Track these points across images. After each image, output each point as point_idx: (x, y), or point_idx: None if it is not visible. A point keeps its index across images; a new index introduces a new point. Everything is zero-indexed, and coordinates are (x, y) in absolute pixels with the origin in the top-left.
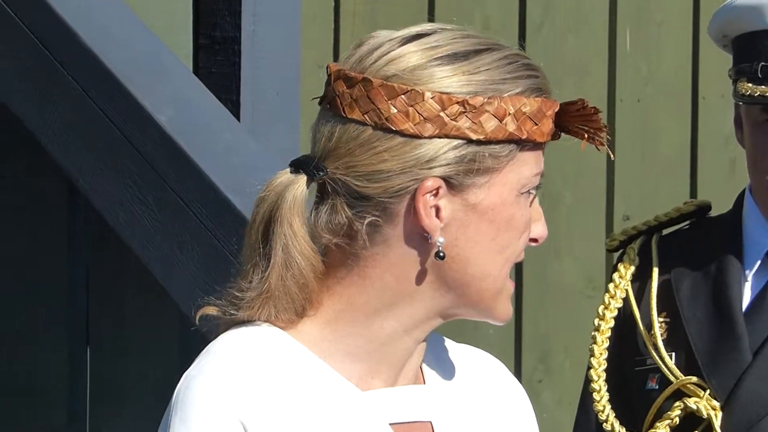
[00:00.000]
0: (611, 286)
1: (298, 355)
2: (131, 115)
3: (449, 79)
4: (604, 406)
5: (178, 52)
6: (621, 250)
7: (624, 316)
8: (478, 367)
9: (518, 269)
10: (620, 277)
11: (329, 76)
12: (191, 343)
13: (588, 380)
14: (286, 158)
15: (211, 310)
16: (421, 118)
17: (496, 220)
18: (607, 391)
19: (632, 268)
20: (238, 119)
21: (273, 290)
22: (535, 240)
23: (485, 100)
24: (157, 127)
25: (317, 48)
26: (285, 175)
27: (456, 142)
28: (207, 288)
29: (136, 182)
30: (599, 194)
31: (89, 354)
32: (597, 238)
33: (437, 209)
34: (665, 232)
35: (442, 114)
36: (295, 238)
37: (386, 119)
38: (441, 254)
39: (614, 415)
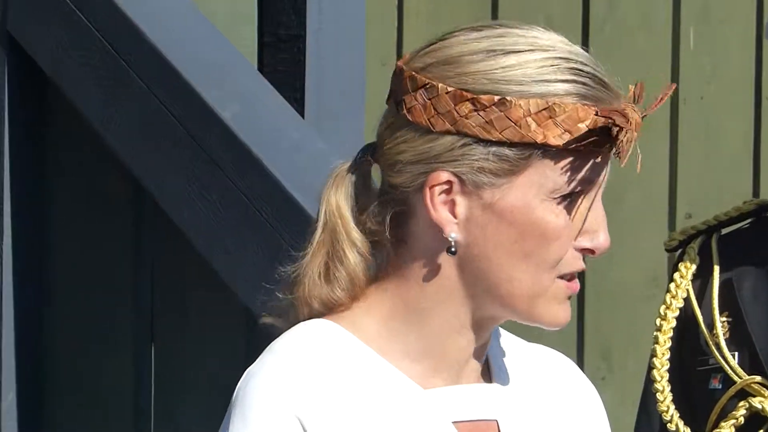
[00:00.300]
0: (672, 285)
1: (358, 352)
2: (196, 112)
3: (471, 76)
4: (668, 407)
5: (243, 50)
6: (681, 250)
7: (686, 316)
8: (549, 367)
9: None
10: (681, 276)
11: (396, 68)
12: (256, 340)
13: (650, 380)
14: (351, 156)
15: (269, 320)
16: (435, 112)
17: (516, 223)
18: (670, 391)
19: (693, 268)
20: (302, 117)
21: (315, 273)
22: (590, 251)
23: (498, 99)
24: (221, 125)
25: (381, 46)
26: (345, 163)
27: (465, 139)
28: (271, 286)
29: (201, 180)
30: (661, 193)
31: (154, 351)
32: (659, 237)
33: (453, 204)
34: (725, 231)
35: (453, 110)
36: (334, 212)
37: (407, 110)
38: (452, 250)
39: (678, 415)
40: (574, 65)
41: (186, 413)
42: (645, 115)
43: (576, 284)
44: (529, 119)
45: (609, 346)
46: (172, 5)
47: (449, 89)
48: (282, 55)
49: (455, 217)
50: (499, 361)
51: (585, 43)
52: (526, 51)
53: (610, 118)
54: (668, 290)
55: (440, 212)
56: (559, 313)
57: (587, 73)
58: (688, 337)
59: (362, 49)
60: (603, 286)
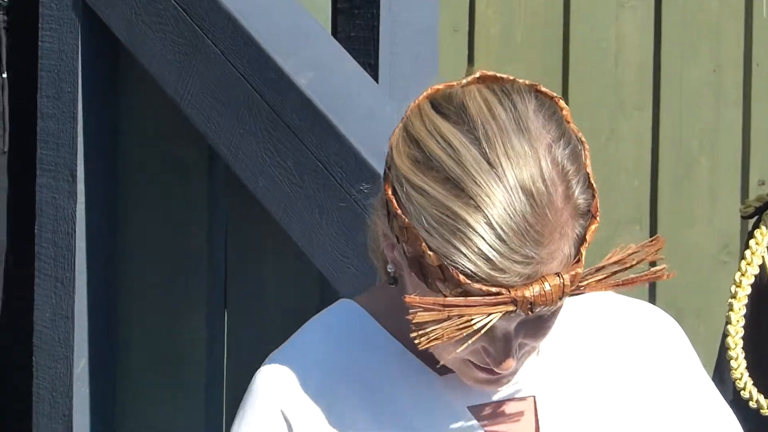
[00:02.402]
0: (747, 253)
1: (375, 339)
2: (271, 79)
3: (405, 189)
4: (742, 374)
5: (317, 16)
6: (756, 217)
7: (761, 284)
8: (629, 327)
9: (652, 232)
10: (757, 243)
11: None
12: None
13: (725, 348)
14: None
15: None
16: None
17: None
18: (745, 358)
19: None
20: (377, 82)
21: (371, 249)
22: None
23: (407, 223)
24: (297, 91)
25: (454, 12)
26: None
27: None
28: (347, 252)
29: (276, 146)
30: (734, 159)
31: (227, 317)
32: (731, 203)
33: (391, 245)
34: None
35: (385, 196)
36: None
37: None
38: (392, 279)
39: (752, 382)
40: (492, 247)
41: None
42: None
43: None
44: (423, 258)
45: (680, 314)
46: None
47: (390, 173)
48: (356, 21)
49: (392, 252)
50: (561, 329)
51: (658, 11)
52: (464, 188)
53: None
54: (743, 257)
55: (384, 241)
56: (486, 384)
57: (478, 249)
58: (763, 304)
59: (436, 15)
60: (675, 253)
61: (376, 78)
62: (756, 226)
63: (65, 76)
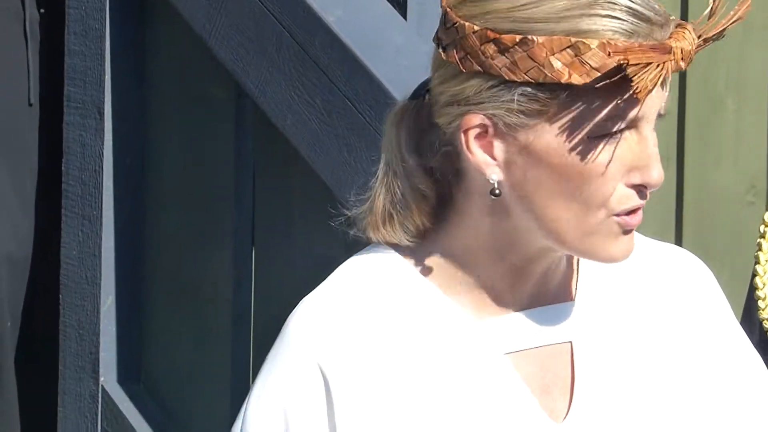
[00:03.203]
0: None
1: (412, 285)
2: (300, 16)
3: (494, 15)
4: None
5: None
6: None
7: None
8: (664, 270)
9: (679, 174)
10: None
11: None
12: (357, 246)
13: (752, 288)
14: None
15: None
16: (464, 53)
17: (554, 165)
18: None
19: None
20: (405, 19)
21: (378, 209)
22: (641, 186)
23: (520, 38)
24: (326, 28)
25: None
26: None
27: (492, 81)
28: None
29: (305, 84)
30: (762, 99)
31: (254, 256)
32: (760, 144)
33: (490, 147)
34: None
35: (479, 51)
36: (393, 152)
37: (443, 49)
38: (496, 192)
39: None
40: (609, 2)
41: (284, 316)
42: (709, 37)
43: (635, 218)
44: (553, 58)
45: (706, 256)
46: None
47: (476, 29)
48: None
49: (494, 159)
50: (594, 273)
51: None
52: None
53: (625, 59)
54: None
55: (477, 155)
56: (614, 249)
57: (620, 5)
58: None
59: None
60: (702, 193)
61: (405, 15)
62: None
63: (92, 13)
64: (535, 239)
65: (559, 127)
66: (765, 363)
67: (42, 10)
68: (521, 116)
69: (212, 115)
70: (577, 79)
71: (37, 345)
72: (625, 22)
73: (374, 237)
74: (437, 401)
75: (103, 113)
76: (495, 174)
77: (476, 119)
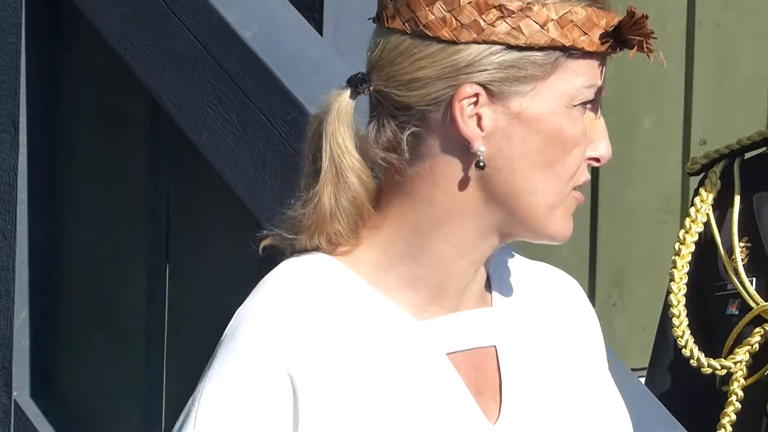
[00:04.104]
0: (692, 210)
1: (352, 286)
2: (215, 31)
3: None
4: (684, 332)
5: None
6: (702, 174)
7: (705, 241)
8: (551, 285)
9: (594, 192)
10: (701, 201)
11: None
12: (273, 259)
13: (667, 305)
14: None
15: (266, 241)
16: (459, 24)
17: (542, 131)
18: (686, 316)
19: (714, 193)
20: (321, 35)
21: (326, 209)
22: (596, 159)
23: (524, 4)
24: (241, 43)
25: None
26: (335, 91)
27: (494, 47)
28: (289, 206)
29: (220, 99)
30: (676, 118)
31: (168, 271)
32: (673, 162)
33: (478, 118)
34: (748, 156)
35: (479, 19)
36: (340, 148)
37: (424, 26)
38: (481, 164)
39: (693, 340)
40: None
41: (198, 330)
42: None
43: (581, 195)
44: (551, 24)
45: (621, 272)
46: None
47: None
48: None
49: (482, 130)
50: (502, 282)
51: None
52: None
53: (634, 17)
54: (688, 214)
55: (469, 126)
56: (567, 226)
57: None
58: (707, 262)
59: None
60: (617, 211)
61: (321, 31)
62: (701, 183)
63: (8, 27)
64: (490, 224)
65: (549, 94)
66: (683, 380)
67: None
68: (517, 83)
69: (128, 129)
70: (579, 43)
71: None
72: None
73: (309, 242)
74: (389, 399)
75: (18, 127)
76: (483, 145)
77: (471, 88)
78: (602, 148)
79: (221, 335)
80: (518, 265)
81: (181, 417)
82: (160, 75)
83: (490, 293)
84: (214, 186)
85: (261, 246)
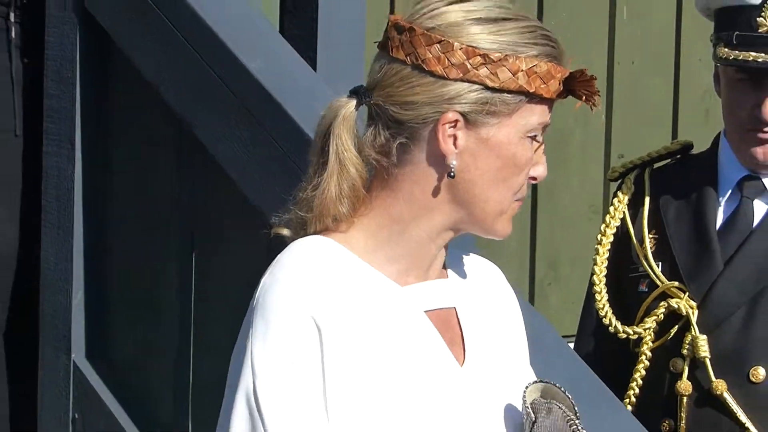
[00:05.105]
0: (611, 209)
1: (350, 261)
2: (230, 66)
3: (477, 36)
4: (604, 305)
5: (269, 17)
6: (620, 180)
7: (621, 234)
8: (483, 271)
9: (534, 195)
10: (619, 201)
11: (388, 23)
12: (275, 252)
13: (591, 284)
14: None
15: (282, 231)
16: (450, 64)
17: (501, 155)
18: (606, 293)
19: (629, 195)
20: (315, 70)
21: (333, 193)
22: (534, 178)
23: (502, 55)
24: (250, 77)
25: (376, 14)
26: (341, 99)
27: (475, 86)
28: (290, 206)
29: (235, 121)
30: (599, 137)
31: (194, 259)
32: (597, 172)
33: (455, 138)
34: (656, 166)
35: (466, 62)
36: (344, 146)
37: (422, 61)
38: (452, 174)
39: (612, 312)
40: (543, 32)
41: (218, 307)
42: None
43: (520, 204)
44: (521, 74)
45: (555, 259)
46: None
47: (462, 46)
48: (298, 21)
49: (456, 148)
50: (454, 263)
51: (541, 16)
52: (507, 19)
53: (582, 76)
54: (608, 212)
55: (447, 144)
56: (508, 227)
57: (550, 38)
58: (622, 250)
59: (363, 20)
60: (552, 211)
61: (314, 66)
62: (619, 188)
63: (66, 63)
64: (451, 220)
65: (511, 127)
66: (603, 344)
67: (25, 60)
68: (488, 116)
69: (159, 145)
70: (540, 90)
71: (20, 332)
72: (555, 50)
73: (318, 222)
74: (383, 342)
75: (74, 144)
76: (455, 160)
77: (452, 115)
78: (540, 170)
79: (237, 311)
80: (462, 254)
81: (236, 370)
82: (184, 101)
83: (446, 270)
84: (229, 190)
85: (274, 231)
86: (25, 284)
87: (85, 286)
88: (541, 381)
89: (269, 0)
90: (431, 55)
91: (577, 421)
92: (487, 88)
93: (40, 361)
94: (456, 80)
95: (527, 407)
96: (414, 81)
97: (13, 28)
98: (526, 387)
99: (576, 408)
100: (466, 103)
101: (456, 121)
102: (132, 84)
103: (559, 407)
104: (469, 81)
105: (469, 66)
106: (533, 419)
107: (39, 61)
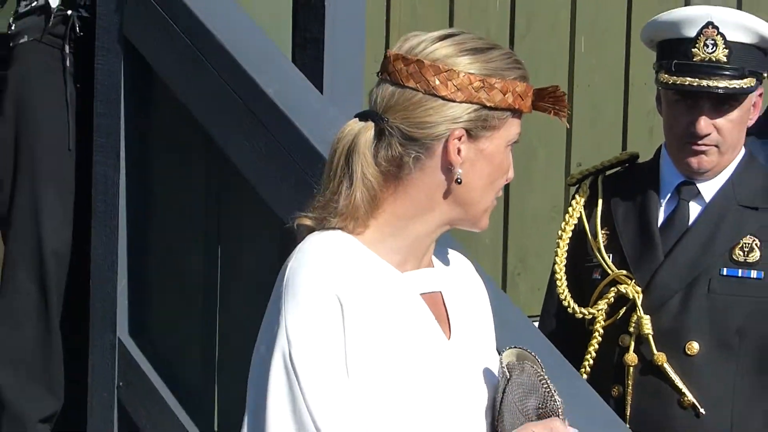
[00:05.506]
0: (570, 209)
1: (361, 250)
2: (250, 90)
3: (472, 65)
4: (564, 290)
5: (282, 48)
6: (577, 185)
7: (578, 230)
8: (459, 262)
9: (506, 198)
10: (576, 203)
11: (388, 58)
12: (285, 244)
13: (553, 273)
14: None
15: (305, 221)
16: (456, 89)
17: (492, 163)
18: (566, 280)
19: (585, 198)
20: (321, 93)
21: (357, 202)
22: (506, 180)
23: (496, 80)
24: (267, 98)
25: (374, 48)
26: (355, 123)
27: (476, 106)
28: (300, 207)
29: (253, 135)
30: (561, 149)
31: (220, 251)
32: (559, 179)
33: (459, 150)
34: (608, 173)
35: (469, 87)
36: (368, 163)
37: (432, 87)
38: (459, 180)
39: (570, 296)
40: (516, 58)
41: (240, 292)
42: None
43: (496, 201)
44: (509, 94)
45: (524, 253)
46: (237, 21)
47: (463, 74)
48: (308, 53)
49: (461, 158)
50: (437, 255)
51: (512, 46)
52: (491, 49)
53: (555, 92)
54: (567, 212)
55: (455, 155)
56: (488, 221)
57: (520, 63)
58: (579, 244)
59: (362, 50)
60: (520, 212)
61: (321, 91)
62: (576, 192)
63: (112, 87)
64: (447, 217)
65: (500, 138)
66: (563, 323)
67: (78, 85)
68: (484, 130)
69: (191, 153)
70: (523, 106)
71: (75, 315)
72: (525, 73)
73: (341, 222)
74: (388, 317)
75: (120, 156)
76: (461, 168)
77: (459, 131)
78: (511, 173)
79: (254, 293)
80: (443, 248)
81: (267, 341)
82: (212, 119)
83: (432, 261)
84: (248, 192)
85: (297, 222)
86: (78, 276)
87: (128, 276)
88: (515, 347)
89: (284, 35)
90: (439, 82)
91: (546, 377)
92: (485, 107)
93: (91, 339)
94: (461, 102)
95: (503, 368)
96: (426, 105)
97: (68, 58)
98: (503, 351)
99: (544, 369)
100: (469, 120)
101: (461, 135)
102: (167, 104)
103: (531, 366)
104: (471, 102)
105: (471, 89)
106: (508, 377)
107: (89, 86)
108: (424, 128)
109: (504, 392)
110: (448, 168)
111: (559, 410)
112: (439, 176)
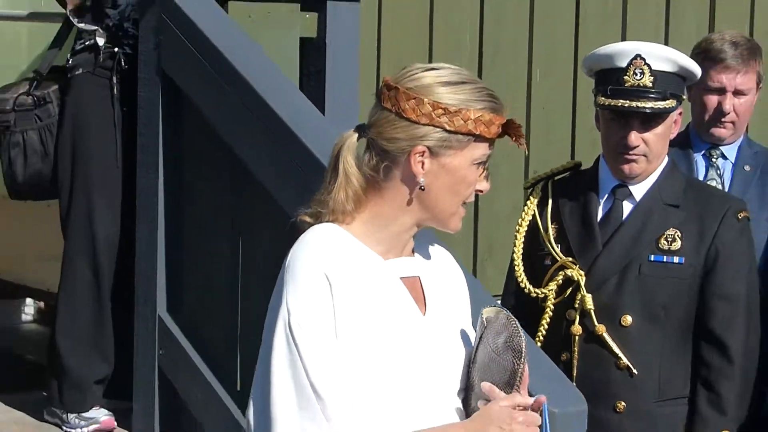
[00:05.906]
0: (526, 208)
1: (351, 241)
2: (265, 112)
3: (441, 95)
4: (521, 274)
5: (291, 78)
6: (532, 188)
7: (533, 225)
8: (439, 253)
9: (477, 202)
10: (531, 203)
11: (382, 83)
12: (293, 237)
13: (512, 260)
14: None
15: (305, 217)
16: (421, 113)
17: (455, 176)
18: (523, 266)
19: (538, 198)
20: (324, 115)
21: (342, 197)
22: (480, 191)
23: (458, 108)
24: (278, 118)
25: (367, 77)
26: (348, 132)
27: (438, 129)
28: (303, 204)
29: (269, 149)
30: (521, 161)
31: (241, 242)
32: (519, 184)
33: (422, 163)
34: (557, 178)
35: (432, 113)
36: (350, 164)
37: (402, 110)
38: (422, 188)
39: (526, 278)
40: (489, 92)
41: (257, 277)
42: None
43: (466, 209)
44: (470, 121)
45: (491, 243)
46: (254, 57)
47: (430, 101)
48: (312, 83)
49: (423, 170)
50: (419, 247)
51: (480, 73)
52: (463, 83)
53: (514, 125)
54: (523, 210)
55: (417, 167)
56: (459, 224)
57: (492, 95)
58: (533, 236)
59: (357, 79)
60: (489, 211)
61: (323, 113)
62: (531, 193)
63: (151, 108)
64: (419, 218)
65: (463, 157)
66: (520, 300)
67: (124, 110)
68: (446, 149)
69: (216, 163)
70: (485, 133)
71: (123, 295)
72: (496, 105)
73: (332, 215)
74: (372, 298)
75: (158, 168)
76: (423, 178)
77: (421, 148)
78: (484, 185)
79: (268, 278)
80: (425, 241)
81: (273, 317)
82: (232, 132)
83: (413, 251)
84: (263, 195)
85: (299, 218)
86: (125, 265)
87: (165, 264)
88: (494, 305)
89: (292, 68)
90: (408, 107)
91: (516, 321)
92: (446, 130)
93: (136, 315)
94: (425, 124)
95: (482, 318)
96: (396, 124)
97: (115, 87)
98: (483, 308)
99: (516, 320)
100: (431, 141)
101: (423, 152)
102: (197, 125)
103: (506, 316)
104: (433, 125)
105: (434, 115)
106: (485, 325)
107: (133, 111)
108: (393, 143)
109: (481, 337)
110: (411, 177)
111: (523, 345)
112: (406, 184)
